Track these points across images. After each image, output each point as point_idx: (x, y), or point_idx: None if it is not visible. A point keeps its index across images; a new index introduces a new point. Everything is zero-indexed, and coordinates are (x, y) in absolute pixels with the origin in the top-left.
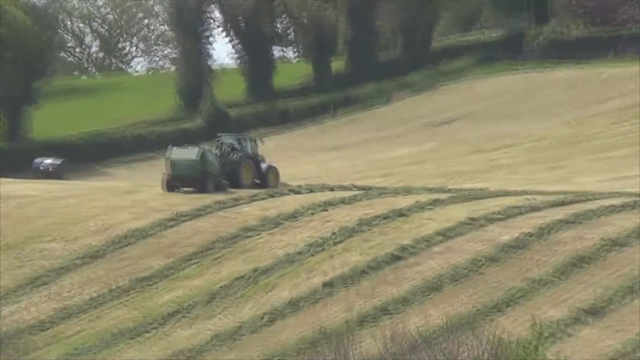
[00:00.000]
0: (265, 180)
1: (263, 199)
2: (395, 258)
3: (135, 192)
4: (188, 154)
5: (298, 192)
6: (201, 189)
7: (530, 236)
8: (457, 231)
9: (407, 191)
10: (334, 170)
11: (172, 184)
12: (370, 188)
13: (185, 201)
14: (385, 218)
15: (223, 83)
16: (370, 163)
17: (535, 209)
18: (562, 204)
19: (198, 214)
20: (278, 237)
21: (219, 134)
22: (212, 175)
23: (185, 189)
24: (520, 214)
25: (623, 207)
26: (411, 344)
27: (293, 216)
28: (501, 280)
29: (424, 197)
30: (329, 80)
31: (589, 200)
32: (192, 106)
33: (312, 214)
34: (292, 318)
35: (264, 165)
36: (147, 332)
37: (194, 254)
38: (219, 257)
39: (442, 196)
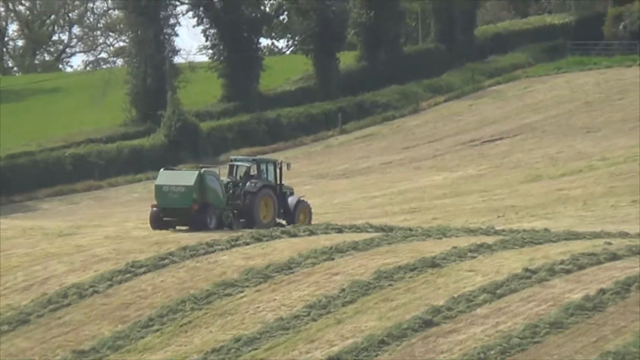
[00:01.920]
0: (293, 219)
1: (247, 243)
2: (425, 324)
3: (74, 234)
4: (182, 178)
5: (294, 235)
6: (199, 225)
7: (608, 294)
8: (509, 287)
9: (442, 233)
10: (343, 204)
11: (162, 220)
12: (392, 229)
13: (142, 247)
14: (412, 270)
15: (192, 85)
16: (392, 195)
17: (614, 257)
18: None
19: (159, 264)
20: (267, 296)
21: (231, 157)
22: (213, 207)
23: (180, 226)
24: (595, 263)
25: None
26: None
27: (287, 267)
28: (567, 354)
29: (464, 242)
30: (336, 82)
31: None
32: (149, 117)
33: (313, 264)
34: None
35: (291, 200)
36: None
37: (155, 318)
38: (187, 323)
39: (489, 240)
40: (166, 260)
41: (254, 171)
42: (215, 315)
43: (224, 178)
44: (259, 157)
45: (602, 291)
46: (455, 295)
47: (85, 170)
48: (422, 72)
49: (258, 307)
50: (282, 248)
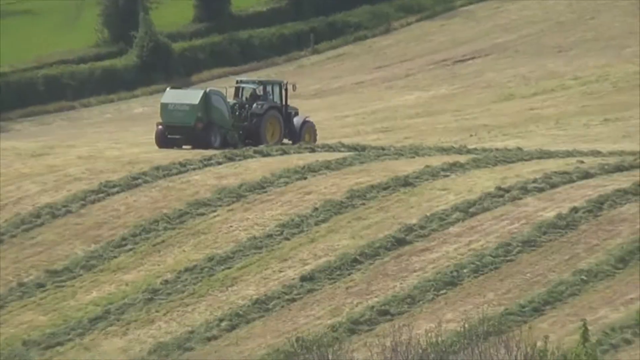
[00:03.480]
0: (298, 139)
1: (219, 163)
2: (398, 242)
3: (47, 154)
4: (187, 97)
5: (267, 154)
6: (204, 143)
7: (580, 212)
8: (481, 206)
9: (415, 152)
10: (315, 123)
11: (167, 138)
12: (364, 148)
13: (114, 167)
14: (385, 189)
15: (164, 6)
16: (364, 114)
17: (587, 175)
18: (623, 168)
19: (132, 184)
20: (240, 215)
21: (238, 79)
22: (218, 126)
23: (184, 145)
24: (567, 182)
25: None
26: (419, 356)
27: (260, 187)
28: (540, 272)
29: (437, 160)
30: (308, 1)
31: None
32: (122, 38)
33: (286, 183)
34: (259, 323)
35: (296, 119)
36: (66, 341)
37: (128, 238)
38: (160, 242)
39: (462, 159)
40: (139, 180)
41: (260, 92)
42: (188, 235)
43: (230, 99)
44: (264, 78)
45: (575, 209)
46: (428, 214)
47: (58, 91)
48: None
49: (231, 226)
50: (255, 167)
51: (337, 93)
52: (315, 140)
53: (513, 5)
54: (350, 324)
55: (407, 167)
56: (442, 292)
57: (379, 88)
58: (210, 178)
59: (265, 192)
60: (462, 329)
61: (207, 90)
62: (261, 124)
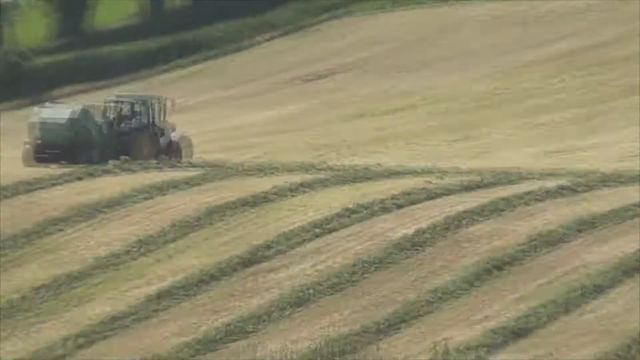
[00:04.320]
0: (174, 157)
1: (79, 178)
2: (250, 261)
3: None
4: (58, 113)
5: (123, 169)
6: (78, 160)
7: (433, 231)
8: (334, 224)
9: (270, 169)
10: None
11: (38, 156)
12: (219, 165)
13: None
14: (239, 206)
15: (18, 22)
16: (219, 131)
17: (439, 193)
18: (476, 187)
19: None
20: (92, 233)
21: (112, 95)
22: (89, 144)
23: (57, 162)
24: (420, 200)
25: (559, 192)
26: None
27: (114, 204)
28: (393, 290)
29: (285, 179)
30: (164, 20)
31: (513, 182)
32: None
33: (141, 200)
34: (111, 341)
35: (172, 136)
36: None
37: None
38: (12, 260)
39: (311, 177)
40: None
41: (135, 110)
42: (40, 253)
43: (99, 118)
44: (139, 94)
45: (428, 228)
46: (281, 233)
47: None
48: (248, 8)
49: (84, 244)
50: (110, 184)
51: (193, 110)
52: (191, 155)
53: (363, 24)
54: (202, 342)
55: (255, 186)
56: (295, 310)
57: (234, 105)
58: (64, 195)
59: (119, 209)
60: (316, 348)
61: (82, 106)
62: (131, 143)
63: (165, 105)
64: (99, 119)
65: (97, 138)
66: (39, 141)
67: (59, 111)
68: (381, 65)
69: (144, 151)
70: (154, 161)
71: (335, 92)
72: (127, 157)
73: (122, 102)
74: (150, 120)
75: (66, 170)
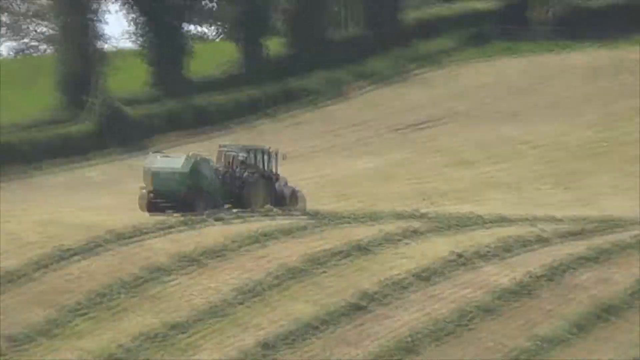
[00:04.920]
0: (290, 205)
1: (180, 230)
2: (356, 309)
3: (4, 221)
4: (173, 163)
5: (225, 220)
6: (190, 209)
7: (538, 279)
8: (439, 271)
9: (371, 218)
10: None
11: (153, 203)
12: (325, 213)
13: (70, 233)
14: (341, 254)
15: (119, 71)
16: (319, 180)
17: (543, 241)
18: (580, 234)
19: (90, 250)
20: (198, 281)
21: (221, 145)
22: (206, 193)
23: (171, 211)
24: (524, 248)
25: None
26: None
27: (218, 252)
28: (499, 339)
29: (393, 226)
30: (263, 68)
31: (618, 229)
32: (77, 103)
33: (243, 249)
34: None
35: (285, 189)
36: None
37: (83, 303)
38: (118, 309)
39: (418, 224)
40: (96, 247)
41: (249, 160)
42: (145, 301)
43: (218, 165)
44: (252, 145)
45: (531, 275)
46: (386, 281)
47: (16, 157)
48: (348, 58)
49: (189, 292)
50: (212, 233)
51: (292, 159)
52: (302, 206)
53: (467, 71)
54: None
55: (363, 233)
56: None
57: (333, 154)
58: (167, 244)
59: (223, 257)
60: None
61: (197, 157)
62: (250, 193)
63: (276, 157)
64: (212, 168)
65: (211, 187)
66: (153, 191)
67: (170, 162)
68: (484, 113)
69: (260, 200)
70: (268, 209)
71: (438, 139)
72: (240, 207)
73: (236, 151)
74: (266, 169)
75: (172, 219)
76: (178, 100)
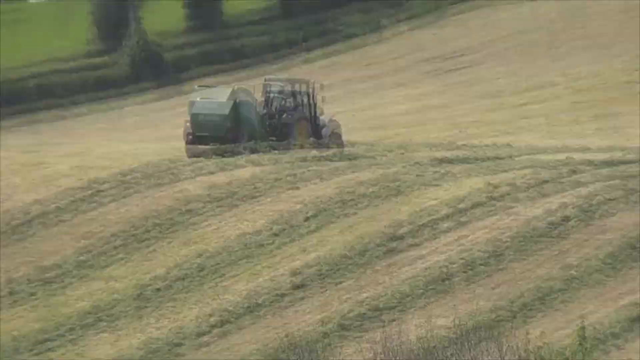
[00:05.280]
0: (325, 142)
1: (211, 172)
2: (389, 242)
3: (37, 159)
4: (215, 106)
5: (258, 163)
6: (231, 142)
7: (570, 209)
8: (472, 205)
9: (405, 150)
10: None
11: (196, 137)
12: (354, 147)
13: (106, 175)
14: (376, 187)
15: (154, 8)
16: (355, 114)
17: (576, 172)
18: (612, 164)
19: (123, 187)
20: (231, 221)
21: (266, 78)
22: (248, 132)
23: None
24: (558, 180)
25: None
26: (410, 357)
27: (251, 194)
28: (531, 273)
29: (427, 158)
30: (298, 5)
31: None
32: (113, 39)
33: (277, 190)
34: (250, 323)
35: (324, 123)
36: (55, 340)
37: (119, 242)
38: (151, 247)
39: (452, 156)
40: (130, 190)
41: (290, 103)
42: (179, 241)
43: (261, 100)
44: (296, 78)
45: (565, 206)
46: (419, 215)
47: (48, 94)
48: None
49: (222, 232)
50: (245, 174)
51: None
52: (341, 141)
53: (505, 13)
54: (340, 324)
55: (397, 166)
56: (433, 292)
57: (369, 90)
58: (201, 186)
59: (257, 199)
60: (454, 329)
61: (237, 97)
62: (291, 131)
63: (315, 90)
64: (254, 106)
65: (252, 127)
66: (191, 132)
67: (211, 104)
68: (517, 51)
69: (302, 136)
70: (311, 143)
71: (474, 75)
72: (286, 140)
73: (280, 85)
74: (311, 103)
75: (198, 162)
76: (214, 36)
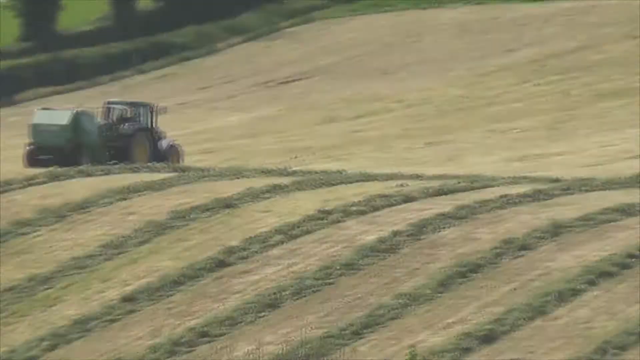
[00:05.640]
0: (164, 160)
1: (43, 182)
2: (219, 264)
3: None
4: (56, 117)
5: (89, 174)
6: (72, 163)
7: (402, 236)
8: (303, 228)
9: (237, 173)
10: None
11: (36, 159)
12: (187, 169)
13: None
14: (206, 210)
15: None
16: (187, 135)
17: (408, 199)
18: (444, 192)
19: None
20: (62, 235)
21: (107, 101)
22: (88, 147)
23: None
24: (389, 205)
25: (525, 199)
26: None
27: (82, 207)
28: (361, 295)
29: (259, 182)
30: (134, 22)
31: (481, 187)
32: None
33: (109, 203)
34: (80, 343)
35: (163, 143)
36: None
37: None
38: None
39: (284, 180)
40: None
41: (129, 114)
42: (10, 255)
43: (100, 119)
44: (133, 100)
45: (396, 233)
46: (250, 236)
47: None
48: (219, 13)
49: (53, 246)
50: (77, 188)
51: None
52: (181, 162)
53: (337, 27)
54: (170, 345)
55: (229, 188)
56: (263, 314)
57: (203, 109)
58: (32, 198)
59: (88, 212)
60: (283, 352)
61: (77, 110)
62: (130, 146)
63: (156, 111)
64: (95, 123)
65: (93, 142)
66: (34, 144)
67: (53, 116)
68: (353, 69)
69: (144, 154)
70: (151, 164)
71: (308, 95)
72: (121, 161)
73: (120, 105)
74: (150, 124)
75: (37, 172)
76: (49, 54)
